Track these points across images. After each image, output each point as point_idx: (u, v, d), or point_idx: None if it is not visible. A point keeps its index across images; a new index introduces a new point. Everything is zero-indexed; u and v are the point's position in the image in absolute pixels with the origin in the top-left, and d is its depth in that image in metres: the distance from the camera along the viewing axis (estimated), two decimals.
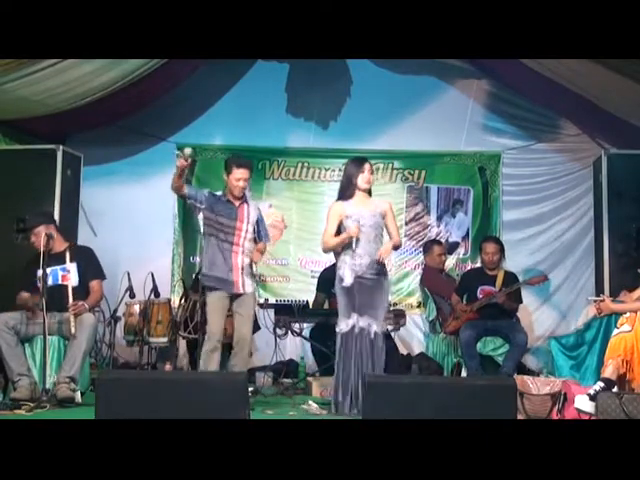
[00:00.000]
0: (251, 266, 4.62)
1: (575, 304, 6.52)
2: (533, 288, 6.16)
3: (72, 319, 4.49)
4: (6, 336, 4.52)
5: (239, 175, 4.52)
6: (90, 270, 4.88)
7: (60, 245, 4.88)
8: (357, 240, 4.34)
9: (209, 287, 4.52)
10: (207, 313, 4.52)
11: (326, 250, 4.63)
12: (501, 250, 5.71)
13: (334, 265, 6.06)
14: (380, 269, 4.43)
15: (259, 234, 4.69)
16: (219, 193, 4.75)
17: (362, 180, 4.43)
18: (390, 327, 5.39)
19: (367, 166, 4.47)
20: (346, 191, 4.48)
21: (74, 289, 4.76)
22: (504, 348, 5.48)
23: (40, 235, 4.65)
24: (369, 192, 4.53)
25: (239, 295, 4.53)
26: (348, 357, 4.32)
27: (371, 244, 4.40)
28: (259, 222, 4.68)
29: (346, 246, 4.42)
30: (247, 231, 4.57)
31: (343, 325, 4.36)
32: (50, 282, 4.68)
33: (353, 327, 4.32)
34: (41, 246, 4.54)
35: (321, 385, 5.18)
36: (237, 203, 4.58)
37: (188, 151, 4.31)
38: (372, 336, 4.32)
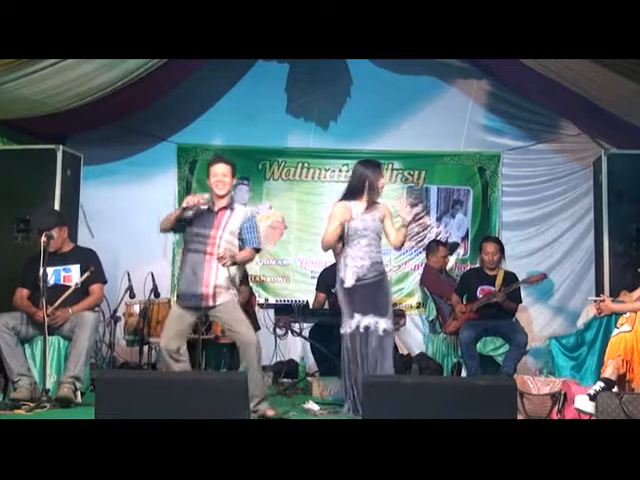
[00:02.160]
0: (230, 275, 4.18)
1: (575, 304, 6.52)
2: (533, 288, 6.17)
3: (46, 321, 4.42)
4: (6, 336, 4.52)
5: (213, 171, 4.23)
6: (93, 273, 4.86)
7: (66, 246, 4.90)
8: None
9: (182, 305, 4.19)
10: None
11: (326, 248, 4.60)
12: (501, 250, 5.71)
13: (334, 265, 6.07)
14: (380, 271, 4.44)
15: (243, 240, 4.24)
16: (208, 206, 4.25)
17: (379, 184, 4.43)
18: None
19: (383, 170, 4.49)
20: (355, 192, 4.45)
21: (75, 290, 4.77)
22: (504, 348, 5.49)
23: (54, 235, 4.66)
24: None
25: (207, 307, 4.17)
26: (355, 357, 4.31)
27: (372, 247, 4.42)
28: (245, 228, 4.23)
29: (345, 248, 4.43)
30: (221, 238, 4.14)
31: (347, 326, 4.36)
32: (52, 282, 4.69)
33: (357, 327, 4.32)
34: (41, 245, 4.51)
35: (321, 385, 5.18)
36: (217, 210, 4.21)
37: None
38: (380, 333, 4.32)
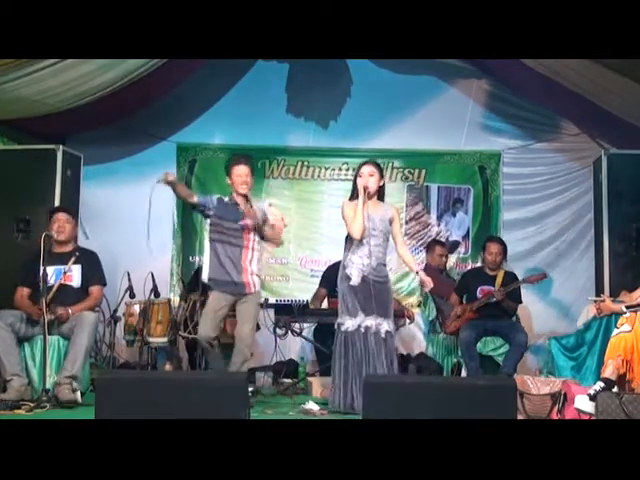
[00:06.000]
0: (257, 266, 4.74)
1: (575, 304, 6.51)
2: (533, 288, 6.16)
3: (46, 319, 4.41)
4: (3, 333, 4.47)
5: (236, 172, 4.68)
6: (93, 275, 4.89)
7: (67, 246, 4.90)
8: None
9: (219, 291, 4.62)
10: (207, 317, 4.62)
11: (358, 234, 4.44)
12: (504, 251, 5.71)
13: (339, 263, 6.05)
14: (385, 273, 4.50)
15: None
16: (227, 199, 4.78)
17: (359, 183, 4.46)
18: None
19: (364, 169, 4.48)
20: (353, 192, 4.54)
21: (75, 290, 4.76)
22: (504, 348, 5.49)
23: (60, 221, 4.77)
24: (379, 196, 4.56)
25: (245, 294, 4.63)
26: (350, 356, 4.31)
27: (379, 248, 4.45)
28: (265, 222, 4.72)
29: (354, 246, 4.44)
30: (254, 232, 4.67)
31: (348, 324, 4.35)
32: (53, 281, 4.68)
33: (359, 327, 4.32)
34: (41, 244, 4.48)
35: (321, 385, 5.18)
36: (243, 206, 4.67)
37: (163, 177, 4.46)
38: (383, 335, 4.33)
